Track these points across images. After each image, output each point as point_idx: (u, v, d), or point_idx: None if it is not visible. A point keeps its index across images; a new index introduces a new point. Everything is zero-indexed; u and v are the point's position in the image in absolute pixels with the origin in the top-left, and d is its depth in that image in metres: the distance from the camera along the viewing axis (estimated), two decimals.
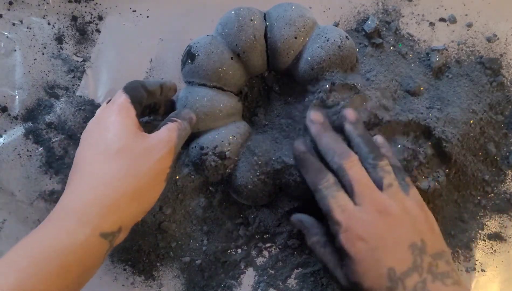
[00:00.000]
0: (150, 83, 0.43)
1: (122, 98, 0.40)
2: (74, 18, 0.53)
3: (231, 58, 0.46)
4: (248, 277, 0.48)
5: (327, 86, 0.44)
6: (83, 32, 0.53)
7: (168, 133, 0.40)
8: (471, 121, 0.49)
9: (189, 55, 0.46)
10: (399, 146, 0.46)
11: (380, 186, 0.38)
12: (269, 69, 0.49)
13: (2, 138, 0.50)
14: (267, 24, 0.46)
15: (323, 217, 0.38)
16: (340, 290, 0.38)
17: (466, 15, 0.54)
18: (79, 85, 0.52)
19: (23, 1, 0.52)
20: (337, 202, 0.37)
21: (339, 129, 0.43)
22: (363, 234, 0.35)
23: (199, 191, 0.49)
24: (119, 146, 0.37)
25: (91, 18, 0.53)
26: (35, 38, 0.52)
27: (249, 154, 0.45)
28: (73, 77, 0.52)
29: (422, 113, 0.48)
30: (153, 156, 0.38)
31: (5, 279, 0.30)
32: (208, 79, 0.46)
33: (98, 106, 0.51)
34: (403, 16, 0.54)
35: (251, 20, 0.45)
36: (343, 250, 0.36)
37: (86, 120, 0.50)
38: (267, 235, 0.49)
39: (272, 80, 0.51)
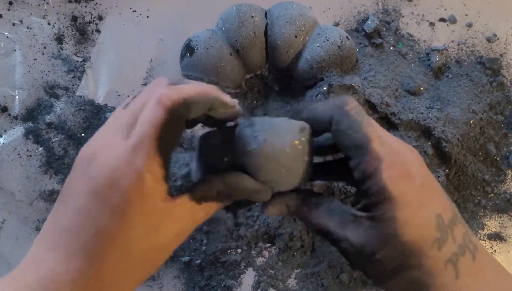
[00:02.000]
0: (197, 101, 0.29)
1: (149, 138, 0.26)
2: (74, 18, 0.53)
3: (230, 53, 0.46)
4: (248, 277, 0.48)
5: (325, 87, 0.44)
6: (83, 32, 0.53)
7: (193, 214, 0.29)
8: (471, 121, 0.49)
9: (188, 49, 0.46)
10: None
11: None
12: (269, 69, 0.49)
13: (2, 138, 0.50)
14: (268, 21, 0.46)
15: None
16: (353, 262, 0.31)
17: (466, 15, 0.54)
18: (79, 85, 0.52)
19: (23, 1, 0.52)
20: (375, 131, 0.30)
21: None
22: (410, 172, 0.29)
23: None
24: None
25: (91, 18, 0.53)
26: (35, 38, 0.52)
27: None
28: (73, 77, 0.52)
29: (422, 113, 0.48)
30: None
31: None
32: (206, 74, 0.46)
33: (98, 106, 0.51)
34: (403, 16, 0.54)
35: (252, 16, 0.45)
36: (385, 191, 0.28)
37: (86, 120, 0.50)
38: (267, 235, 0.49)
39: (272, 79, 0.51)
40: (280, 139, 0.32)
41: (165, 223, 0.27)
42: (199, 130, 0.50)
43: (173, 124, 0.27)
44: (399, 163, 0.29)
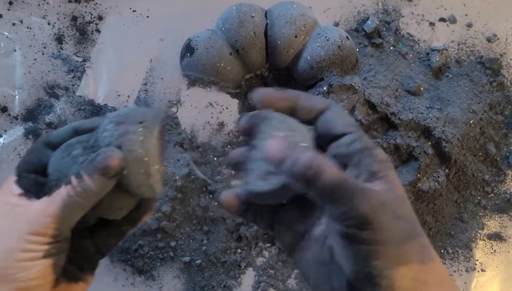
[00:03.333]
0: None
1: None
2: (74, 18, 0.53)
3: (230, 53, 0.46)
4: (248, 277, 0.48)
5: (325, 87, 0.44)
6: (83, 32, 0.53)
7: (45, 209, 0.29)
8: (471, 121, 0.49)
9: (188, 49, 0.46)
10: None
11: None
12: (269, 69, 0.49)
13: (2, 138, 0.50)
14: (268, 21, 0.46)
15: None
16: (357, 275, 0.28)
17: (466, 15, 0.54)
18: (79, 85, 0.52)
19: (23, 1, 0.52)
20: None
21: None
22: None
23: (199, 191, 0.49)
24: None
25: (91, 18, 0.53)
26: (35, 38, 0.52)
27: None
28: (73, 77, 0.52)
29: (422, 113, 0.48)
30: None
31: None
32: (206, 74, 0.46)
33: (98, 106, 0.51)
34: (403, 16, 0.54)
35: (252, 16, 0.45)
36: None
37: None
38: (266, 235, 0.49)
39: (272, 79, 0.51)
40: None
41: None
42: (199, 130, 0.50)
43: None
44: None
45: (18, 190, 0.30)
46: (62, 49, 0.52)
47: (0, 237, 0.29)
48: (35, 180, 0.31)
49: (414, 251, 0.27)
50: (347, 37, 0.46)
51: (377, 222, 0.26)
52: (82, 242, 0.34)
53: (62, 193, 0.29)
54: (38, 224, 0.29)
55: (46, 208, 0.29)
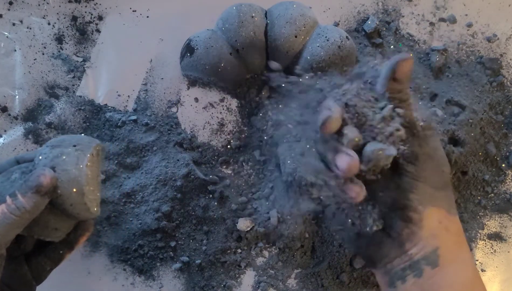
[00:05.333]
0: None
1: None
2: (74, 18, 0.53)
3: (230, 53, 0.46)
4: (248, 277, 0.48)
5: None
6: (83, 32, 0.53)
7: None
8: (471, 121, 0.49)
9: (188, 49, 0.46)
10: None
11: None
12: (268, 68, 0.49)
13: (2, 138, 0.50)
14: (268, 21, 0.46)
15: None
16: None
17: (466, 15, 0.54)
18: (79, 85, 0.52)
19: (23, 1, 0.52)
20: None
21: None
22: None
23: (199, 191, 0.49)
24: None
25: (91, 18, 0.53)
26: (35, 38, 0.52)
27: None
28: (73, 77, 0.52)
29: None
30: None
31: None
32: (206, 74, 0.46)
33: (98, 106, 0.51)
34: (403, 16, 0.54)
35: (252, 16, 0.45)
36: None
37: (86, 120, 0.50)
38: (267, 235, 0.49)
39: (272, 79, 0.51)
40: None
41: None
42: (199, 130, 0.50)
43: None
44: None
45: None
46: (62, 49, 0.52)
47: None
48: None
49: (444, 200, 0.32)
50: (347, 37, 0.46)
51: (424, 161, 0.32)
52: (19, 268, 0.36)
53: None
54: None
55: None
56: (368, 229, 0.33)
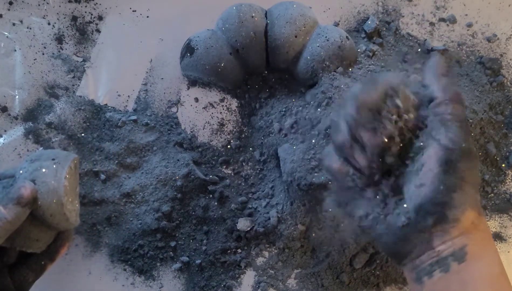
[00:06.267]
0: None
1: None
2: (74, 18, 0.53)
3: (230, 53, 0.46)
4: (248, 277, 0.48)
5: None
6: (83, 32, 0.53)
7: None
8: (471, 121, 0.49)
9: (188, 49, 0.46)
10: None
11: None
12: (269, 69, 0.49)
13: (2, 138, 0.50)
14: (268, 21, 0.46)
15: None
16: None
17: (466, 15, 0.54)
18: (79, 85, 0.52)
19: (23, 1, 0.52)
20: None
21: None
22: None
23: (199, 191, 0.49)
24: None
25: (91, 18, 0.53)
26: (35, 38, 0.52)
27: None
28: (73, 77, 0.52)
29: None
30: None
31: None
32: (206, 74, 0.46)
33: (98, 106, 0.51)
34: (403, 16, 0.54)
35: (252, 16, 0.45)
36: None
37: (86, 120, 0.50)
38: (266, 236, 0.49)
39: (272, 79, 0.51)
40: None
41: None
42: (199, 130, 0.50)
43: None
44: None
45: None
46: (62, 49, 0.52)
47: None
48: None
49: (478, 201, 0.32)
50: (347, 37, 0.46)
51: (474, 158, 0.31)
52: (2, 280, 0.38)
53: None
54: None
55: None
56: (397, 223, 0.32)
